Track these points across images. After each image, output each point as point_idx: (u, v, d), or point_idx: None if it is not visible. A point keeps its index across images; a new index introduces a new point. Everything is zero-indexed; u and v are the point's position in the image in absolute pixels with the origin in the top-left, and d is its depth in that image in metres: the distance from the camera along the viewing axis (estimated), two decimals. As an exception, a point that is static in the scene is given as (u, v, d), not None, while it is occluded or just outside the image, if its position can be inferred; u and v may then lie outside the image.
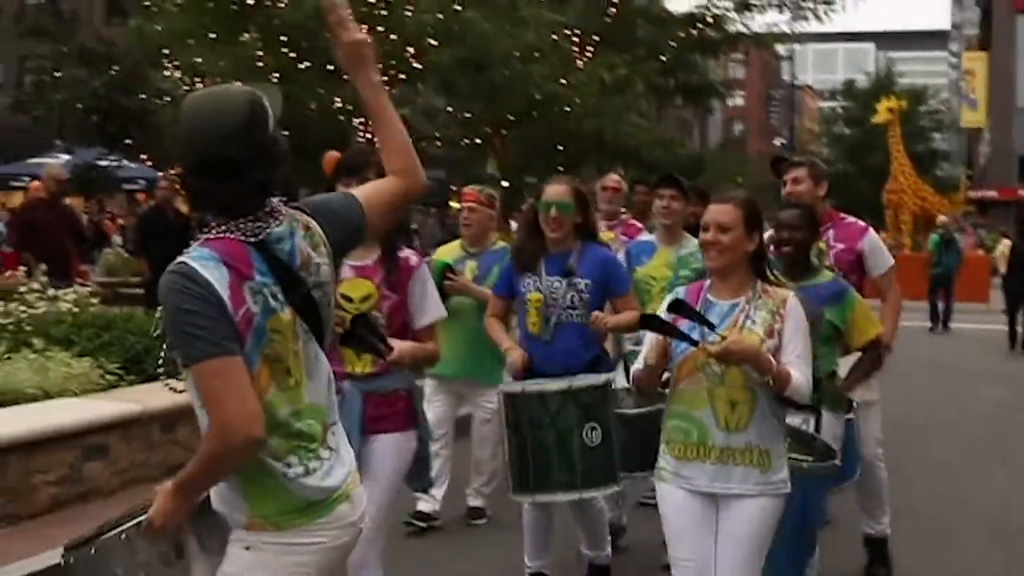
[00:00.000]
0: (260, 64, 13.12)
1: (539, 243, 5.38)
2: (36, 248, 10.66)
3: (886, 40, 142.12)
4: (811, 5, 20.47)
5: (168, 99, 19.95)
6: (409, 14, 15.37)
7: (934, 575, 6.31)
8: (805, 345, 4.05)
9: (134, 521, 2.72)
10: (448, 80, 15.59)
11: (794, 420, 4.71)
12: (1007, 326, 18.05)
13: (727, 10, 21.51)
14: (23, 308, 8.74)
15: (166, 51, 18.46)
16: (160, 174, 15.94)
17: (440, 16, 15.47)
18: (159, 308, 2.68)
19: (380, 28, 14.34)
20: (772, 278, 4.19)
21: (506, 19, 15.99)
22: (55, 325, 8.64)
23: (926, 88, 70.15)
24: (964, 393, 13.27)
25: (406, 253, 4.63)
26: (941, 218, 24.11)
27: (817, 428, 4.99)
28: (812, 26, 22.22)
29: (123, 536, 2.69)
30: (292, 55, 13.11)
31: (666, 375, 4.17)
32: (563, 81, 17.15)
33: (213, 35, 13.66)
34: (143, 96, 20.85)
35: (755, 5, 21.17)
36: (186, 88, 19.77)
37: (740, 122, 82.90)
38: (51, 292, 9.26)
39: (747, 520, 4.02)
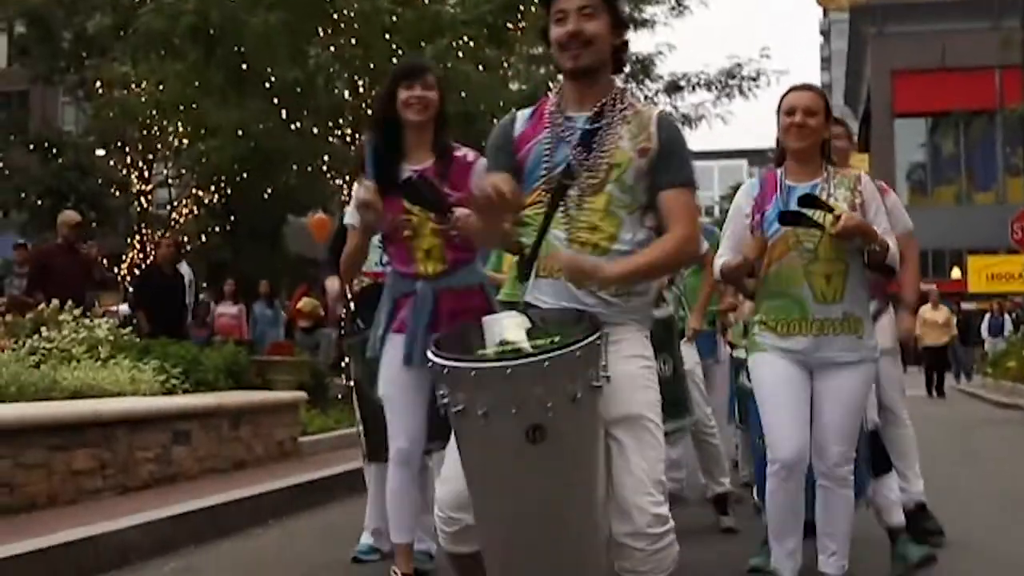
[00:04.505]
0: (260, 125, 13.37)
1: None
2: (50, 291, 10.59)
3: (757, 157, 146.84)
4: (737, 82, 20.89)
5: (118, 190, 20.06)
6: None
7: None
8: (885, 217, 4.34)
9: (556, 352, 2.77)
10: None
11: None
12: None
13: (657, 91, 21.78)
14: (66, 333, 9.03)
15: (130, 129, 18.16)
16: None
17: None
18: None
19: None
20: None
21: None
22: (99, 347, 8.97)
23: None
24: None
25: (463, 151, 4.60)
26: None
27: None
28: (737, 104, 22.07)
29: (546, 363, 2.74)
30: (283, 115, 13.49)
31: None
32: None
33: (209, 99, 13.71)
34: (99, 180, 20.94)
35: (684, 86, 21.46)
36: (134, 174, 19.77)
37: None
38: (84, 322, 9.55)
39: (849, 384, 4.22)
